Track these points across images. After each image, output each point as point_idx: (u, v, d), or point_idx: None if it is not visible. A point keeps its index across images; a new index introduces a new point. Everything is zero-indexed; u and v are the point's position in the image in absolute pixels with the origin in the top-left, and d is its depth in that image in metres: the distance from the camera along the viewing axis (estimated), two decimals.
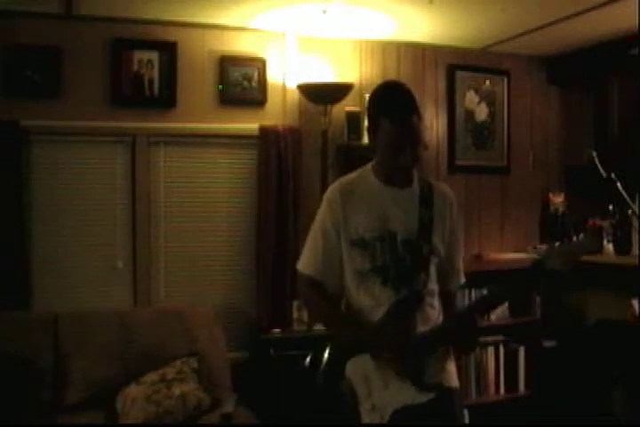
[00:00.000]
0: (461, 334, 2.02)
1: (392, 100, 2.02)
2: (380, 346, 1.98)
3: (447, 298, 2.19)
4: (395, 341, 1.96)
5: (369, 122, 2.08)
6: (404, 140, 1.99)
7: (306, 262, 2.18)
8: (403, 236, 2.06)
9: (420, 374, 1.97)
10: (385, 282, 2.05)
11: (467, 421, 2.11)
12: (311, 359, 2.11)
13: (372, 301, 2.07)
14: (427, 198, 2.11)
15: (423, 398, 1.96)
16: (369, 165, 2.17)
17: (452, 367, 2.14)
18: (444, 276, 2.17)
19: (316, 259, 2.14)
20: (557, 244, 1.89)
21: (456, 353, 2.19)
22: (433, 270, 2.10)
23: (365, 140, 3.87)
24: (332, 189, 2.17)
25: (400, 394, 1.96)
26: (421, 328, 2.02)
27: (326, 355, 2.09)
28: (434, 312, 2.11)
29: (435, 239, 2.08)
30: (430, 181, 2.19)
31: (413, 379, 1.96)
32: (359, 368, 2.02)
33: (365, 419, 1.99)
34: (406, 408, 1.95)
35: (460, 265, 2.23)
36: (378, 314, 2.04)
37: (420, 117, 2.03)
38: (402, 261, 2.05)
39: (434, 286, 2.12)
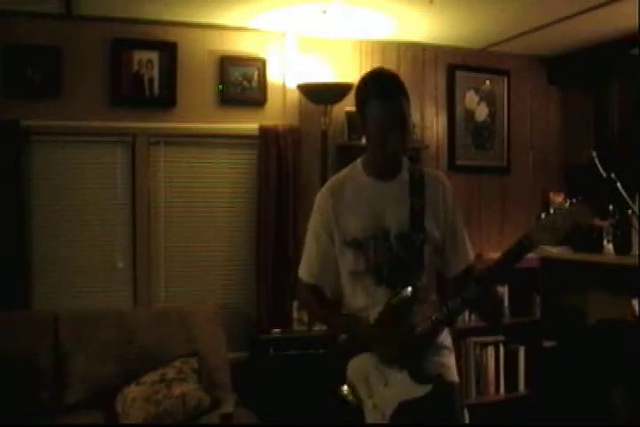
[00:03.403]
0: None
1: (380, 82, 2.02)
2: (379, 346, 1.98)
3: (463, 277, 2.11)
4: (392, 342, 1.96)
5: (358, 109, 2.07)
6: (394, 121, 1.97)
7: (303, 268, 2.18)
8: (396, 231, 2.05)
9: (419, 367, 1.97)
10: (379, 282, 2.05)
11: (467, 419, 2.10)
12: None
13: (368, 300, 2.07)
14: (417, 185, 2.08)
15: (422, 391, 1.95)
16: (358, 161, 2.16)
17: (451, 362, 2.13)
18: (450, 259, 2.14)
19: (311, 264, 2.15)
20: (543, 215, 1.78)
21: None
22: (428, 262, 2.07)
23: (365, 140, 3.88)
24: (322, 191, 2.16)
25: (399, 390, 1.96)
26: (417, 323, 2.00)
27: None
28: (429, 306, 2.09)
29: (428, 226, 2.05)
30: (422, 168, 2.17)
31: (412, 372, 1.96)
32: (359, 368, 2.03)
33: (368, 419, 1.99)
34: (407, 404, 1.95)
35: (466, 245, 2.17)
36: (374, 314, 2.03)
37: (407, 101, 2.01)
38: (396, 258, 2.04)
39: (429, 279, 2.11)
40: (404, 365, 1.97)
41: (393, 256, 2.04)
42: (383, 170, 2.09)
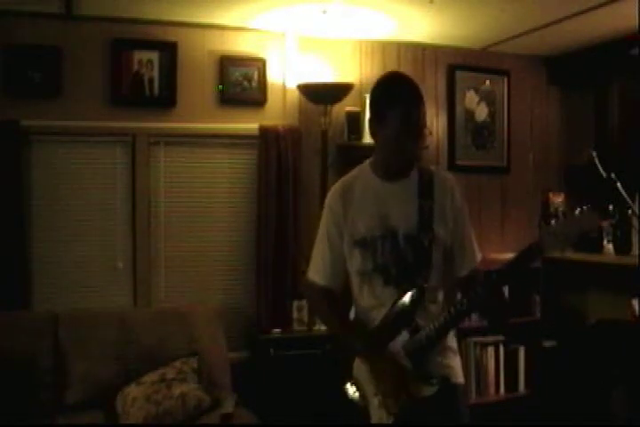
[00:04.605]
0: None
1: (401, 91, 2.02)
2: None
3: (468, 281, 2.12)
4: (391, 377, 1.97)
5: (373, 115, 2.07)
6: (413, 131, 1.99)
7: (315, 270, 2.18)
8: (404, 231, 2.05)
9: (425, 368, 1.98)
10: (387, 282, 2.06)
11: (468, 419, 2.10)
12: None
13: (375, 300, 2.07)
14: (426, 187, 2.09)
15: (428, 391, 1.95)
16: (367, 163, 2.17)
17: (456, 363, 2.13)
18: (457, 260, 2.14)
19: (324, 265, 2.15)
20: (553, 222, 1.80)
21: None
22: (436, 263, 2.07)
23: (365, 140, 3.88)
24: (332, 191, 2.18)
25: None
26: (422, 324, 2.01)
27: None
28: (436, 307, 2.10)
29: (436, 227, 2.06)
30: (431, 169, 2.18)
31: (418, 372, 1.96)
32: (365, 367, 2.02)
33: (373, 417, 1.99)
34: (412, 404, 1.94)
35: (473, 245, 2.18)
36: (380, 314, 2.04)
37: (425, 108, 2.03)
38: (403, 258, 2.04)
39: (437, 280, 2.10)
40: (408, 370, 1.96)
41: (400, 256, 2.05)
42: (393, 172, 2.10)
